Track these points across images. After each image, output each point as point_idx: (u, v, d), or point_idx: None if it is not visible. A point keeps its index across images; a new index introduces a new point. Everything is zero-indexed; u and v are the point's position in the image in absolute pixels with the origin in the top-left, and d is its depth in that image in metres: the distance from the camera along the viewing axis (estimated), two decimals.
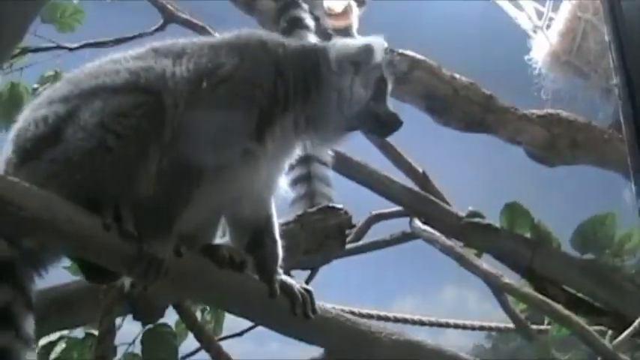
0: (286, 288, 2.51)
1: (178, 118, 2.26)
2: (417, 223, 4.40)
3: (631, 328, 3.88)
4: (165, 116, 2.25)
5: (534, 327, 4.66)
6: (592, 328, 3.98)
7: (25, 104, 2.44)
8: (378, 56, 2.52)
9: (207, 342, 3.35)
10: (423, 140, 5.00)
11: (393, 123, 2.54)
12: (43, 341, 3.34)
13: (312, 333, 2.56)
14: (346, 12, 4.77)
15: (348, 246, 4.49)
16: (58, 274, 2.56)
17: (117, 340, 3.30)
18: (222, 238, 2.64)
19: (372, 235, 4.70)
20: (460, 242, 4.36)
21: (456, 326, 4.73)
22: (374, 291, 5.83)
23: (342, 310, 4.29)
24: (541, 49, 5.11)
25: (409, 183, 4.51)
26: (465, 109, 4.69)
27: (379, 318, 4.57)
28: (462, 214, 4.30)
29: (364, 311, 4.54)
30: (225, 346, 3.64)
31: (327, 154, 3.07)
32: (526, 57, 5.12)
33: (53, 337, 3.39)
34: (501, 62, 5.51)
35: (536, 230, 4.21)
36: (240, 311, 2.57)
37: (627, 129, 2.42)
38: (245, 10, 4.58)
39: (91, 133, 2.18)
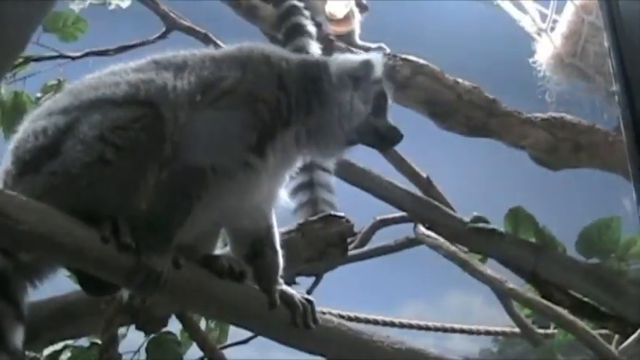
0: (287, 298, 2.51)
1: (178, 131, 2.26)
2: (421, 228, 4.39)
3: (637, 333, 3.87)
4: (165, 129, 2.25)
5: (541, 331, 4.65)
6: (597, 333, 3.97)
7: (28, 113, 2.44)
8: (378, 71, 2.53)
9: (211, 351, 3.36)
10: (426, 145, 4.99)
11: (392, 137, 2.54)
12: (47, 350, 3.35)
13: (314, 343, 2.55)
14: (348, 18, 4.77)
15: (353, 252, 4.49)
16: (61, 283, 2.56)
17: (122, 349, 3.31)
18: (222, 248, 2.64)
19: (376, 241, 4.70)
20: (464, 247, 4.35)
21: (462, 331, 4.73)
22: (379, 296, 5.82)
23: (348, 316, 4.36)
24: (545, 51, 5.09)
25: (413, 188, 4.50)
26: (468, 114, 4.68)
27: (384, 324, 4.57)
28: (466, 219, 4.28)
29: (369, 317, 4.54)
30: (230, 354, 3.65)
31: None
32: (530, 60, 5.10)
33: (58, 346, 3.39)
34: (506, 65, 5.48)
35: (540, 235, 4.20)
36: (241, 322, 2.57)
37: (627, 135, 2.41)
38: (246, 18, 4.58)
39: (90, 145, 2.18)
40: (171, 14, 4.58)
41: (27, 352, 2.98)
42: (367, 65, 2.51)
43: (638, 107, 2.35)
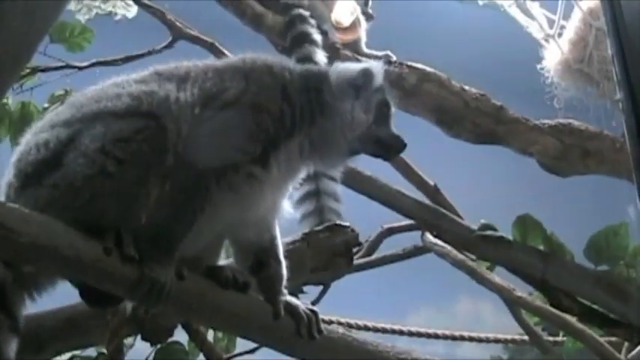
0: (291, 309, 2.51)
1: (181, 143, 2.26)
2: (429, 236, 4.37)
3: None
4: (167, 141, 2.24)
5: (550, 339, 4.63)
6: (607, 340, 3.95)
7: (35, 124, 2.44)
8: (378, 80, 2.51)
9: None
10: (433, 153, 4.98)
11: (395, 146, 2.53)
12: None
13: (318, 353, 2.54)
14: (354, 25, 4.75)
15: (361, 260, 4.50)
16: (69, 294, 2.55)
17: (129, 358, 3.31)
18: (227, 259, 2.64)
19: (383, 249, 4.69)
20: (473, 255, 4.33)
21: (471, 339, 4.72)
22: (388, 304, 5.80)
23: (357, 325, 4.35)
24: (553, 57, 5.08)
25: (420, 196, 4.49)
26: (475, 121, 4.66)
27: (393, 332, 4.56)
28: (474, 226, 4.26)
29: (378, 325, 4.53)
30: None
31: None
32: (538, 66, 5.08)
33: (65, 356, 3.39)
34: (513, 72, 5.47)
35: (548, 242, 4.17)
36: (245, 333, 2.57)
37: (631, 142, 2.39)
38: (252, 26, 4.57)
39: (92, 158, 2.18)
40: (178, 24, 4.58)
41: None
42: (366, 73, 2.50)
43: None
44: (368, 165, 4.21)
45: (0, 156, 2.41)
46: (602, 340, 3.95)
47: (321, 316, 2.61)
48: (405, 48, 4.82)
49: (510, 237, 4.20)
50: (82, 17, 4.56)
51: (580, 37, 4.96)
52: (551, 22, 5.11)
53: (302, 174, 2.58)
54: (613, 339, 4.14)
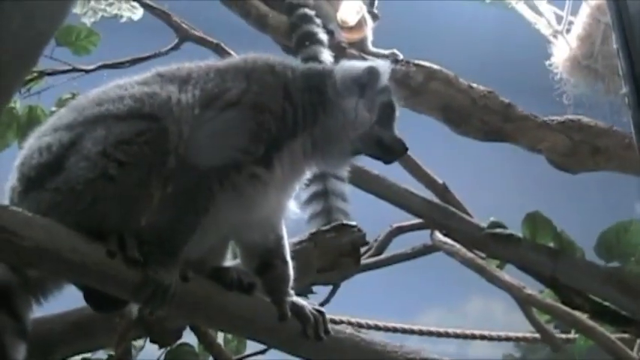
0: (297, 309, 2.49)
1: (183, 144, 2.25)
2: (438, 235, 4.36)
3: None
4: (169, 143, 2.23)
5: (562, 336, 4.61)
6: (618, 338, 3.92)
7: None
8: (384, 80, 2.49)
9: None
10: (442, 151, 4.97)
11: (396, 149, 2.49)
12: None
13: (325, 354, 2.52)
14: (360, 24, 4.73)
15: (370, 260, 4.49)
16: (75, 295, 2.55)
17: None
18: (233, 260, 2.63)
19: (393, 248, 4.67)
20: (482, 254, 4.31)
21: (482, 337, 4.70)
22: (398, 304, 5.79)
23: (367, 325, 4.34)
24: (561, 54, 5.06)
25: (429, 195, 4.47)
26: (483, 119, 4.64)
27: (404, 331, 4.55)
28: (483, 224, 4.23)
29: (389, 325, 4.52)
30: None
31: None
32: (547, 62, 5.06)
33: (76, 358, 3.39)
34: (522, 69, 5.45)
35: (558, 239, 4.14)
36: (251, 334, 2.56)
37: (638, 139, 2.37)
38: (256, 27, 4.56)
39: (94, 162, 2.18)
40: (184, 25, 4.57)
41: None
42: (372, 72, 2.48)
43: None
44: (376, 164, 4.18)
45: (10, 161, 2.40)
46: (613, 337, 3.92)
47: (330, 316, 2.60)
48: (411, 47, 4.81)
49: (520, 235, 4.17)
50: (88, 20, 4.56)
51: (588, 33, 4.94)
52: (559, 19, 5.09)
53: (307, 174, 2.56)
54: (625, 336, 4.11)
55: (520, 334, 4.84)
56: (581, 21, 4.99)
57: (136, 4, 4.67)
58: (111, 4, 4.66)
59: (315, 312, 2.51)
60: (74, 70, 4.40)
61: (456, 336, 4.61)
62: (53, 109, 4.33)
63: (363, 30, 4.76)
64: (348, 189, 3.23)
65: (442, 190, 4.53)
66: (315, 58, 4.03)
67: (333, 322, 2.61)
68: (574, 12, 5.06)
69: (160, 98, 2.29)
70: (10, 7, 2.35)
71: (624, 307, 4.08)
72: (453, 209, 4.35)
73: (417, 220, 4.52)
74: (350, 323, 4.15)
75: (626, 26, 2.43)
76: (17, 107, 4.25)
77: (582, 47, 4.95)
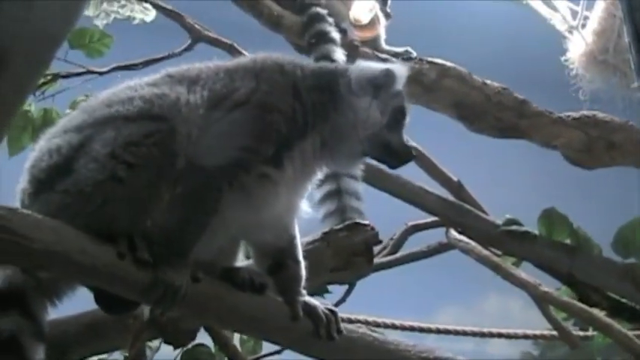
0: (309, 309, 2.47)
1: (192, 145, 2.25)
2: (453, 233, 4.34)
3: None
4: (178, 144, 2.23)
5: (581, 333, 4.58)
6: (636, 334, 3.89)
7: None
8: (400, 83, 2.48)
9: None
10: (456, 148, 4.95)
11: (403, 155, 2.48)
12: None
13: (338, 354, 2.51)
14: (373, 23, 4.72)
15: (385, 259, 4.47)
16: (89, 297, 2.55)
17: None
18: (245, 260, 2.62)
19: (408, 247, 4.66)
20: (498, 251, 4.29)
21: (500, 335, 4.67)
22: (415, 302, 5.78)
23: (384, 323, 4.32)
24: (577, 49, 5.03)
25: (444, 193, 4.45)
26: (497, 115, 4.62)
27: (421, 330, 4.53)
28: (499, 222, 4.22)
29: (405, 323, 4.50)
30: None
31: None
32: (562, 58, 5.04)
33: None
34: (537, 65, 5.43)
35: (575, 236, 4.12)
36: (263, 334, 2.55)
37: None
38: (269, 27, 4.56)
39: (103, 163, 2.18)
40: (197, 26, 4.57)
41: None
42: (389, 74, 2.46)
43: None
44: None
45: (24, 163, 2.41)
46: (631, 334, 3.89)
47: (346, 316, 2.59)
48: (425, 44, 4.80)
49: (536, 232, 4.15)
50: (101, 22, 4.58)
51: (604, 28, 4.91)
52: (574, 14, 5.06)
53: (318, 174, 2.54)
54: None
55: (538, 332, 4.82)
56: (596, 16, 4.96)
57: (148, 5, 4.67)
58: (123, 6, 4.68)
59: (327, 311, 2.49)
60: (88, 72, 4.42)
61: (474, 334, 4.59)
62: (67, 111, 4.35)
63: (375, 28, 4.75)
64: (362, 187, 3.22)
65: (457, 188, 4.51)
66: (328, 57, 4.03)
67: (349, 321, 2.60)
68: (589, 7, 5.02)
69: (169, 99, 2.29)
70: (23, 9, 2.36)
71: None
72: (468, 207, 4.35)
73: (432, 218, 4.51)
74: (366, 322, 4.15)
75: (637, 19, 2.40)
76: (32, 110, 4.27)
77: (598, 42, 4.93)
